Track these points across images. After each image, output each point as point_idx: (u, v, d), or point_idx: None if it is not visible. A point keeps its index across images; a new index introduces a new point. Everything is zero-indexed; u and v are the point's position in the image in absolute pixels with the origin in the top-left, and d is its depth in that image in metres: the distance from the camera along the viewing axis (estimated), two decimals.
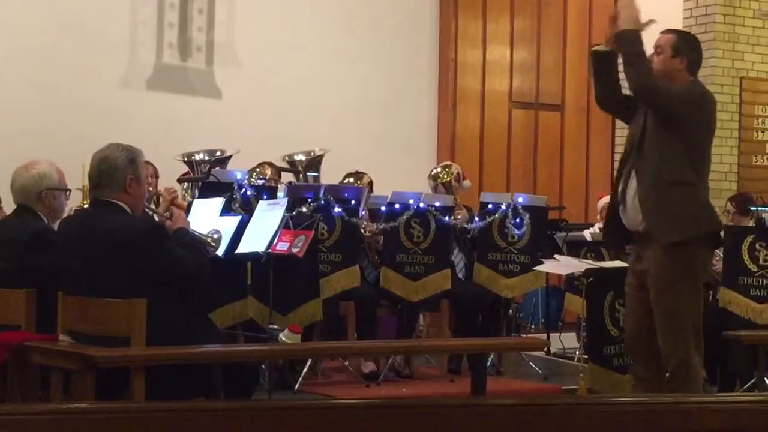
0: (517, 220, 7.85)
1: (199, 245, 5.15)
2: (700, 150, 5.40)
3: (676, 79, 5.40)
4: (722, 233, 5.63)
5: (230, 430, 2.95)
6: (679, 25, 10.99)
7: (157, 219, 5.43)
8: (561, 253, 7.93)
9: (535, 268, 7.68)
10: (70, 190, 5.69)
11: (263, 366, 6.26)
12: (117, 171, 4.89)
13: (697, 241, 5.32)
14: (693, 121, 5.34)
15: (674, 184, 5.31)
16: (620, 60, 5.42)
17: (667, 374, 5.37)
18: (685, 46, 5.49)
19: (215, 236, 5.44)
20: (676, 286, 5.28)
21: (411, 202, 7.51)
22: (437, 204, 7.62)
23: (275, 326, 5.54)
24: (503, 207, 7.87)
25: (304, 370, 7.07)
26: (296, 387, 6.91)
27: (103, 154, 4.95)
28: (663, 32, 5.54)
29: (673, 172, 5.30)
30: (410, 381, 7.54)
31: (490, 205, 7.91)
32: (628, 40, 5.31)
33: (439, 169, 8.63)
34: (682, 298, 5.29)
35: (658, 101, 5.33)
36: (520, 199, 7.96)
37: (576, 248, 8.10)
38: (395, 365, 7.65)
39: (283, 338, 5.20)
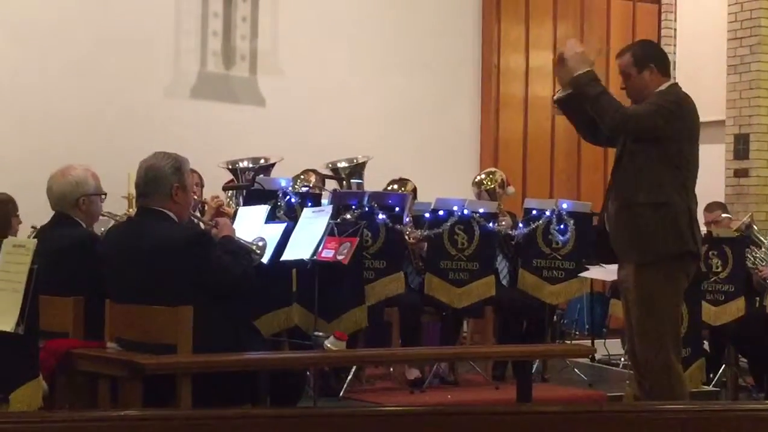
0: (562, 226, 7.83)
1: (244, 253, 5.17)
2: (683, 159, 5.28)
3: (653, 89, 5.30)
4: (698, 251, 5.40)
5: None
6: (724, 29, 10.95)
7: (202, 227, 5.46)
8: None
9: (580, 275, 7.65)
10: (105, 194, 5.72)
11: (308, 373, 6.27)
12: (163, 179, 4.93)
13: (665, 262, 5.22)
14: (672, 133, 5.22)
15: (644, 206, 5.22)
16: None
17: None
18: (644, 53, 5.39)
19: (260, 244, 5.46)
20: (651, 301, 5.22)
21: (455, 208, 7.51)
22: (481, 210, 7.61)
23: (320, 333, 5.54)
24: (547, 213, 7.85)
25: (349, 377, 7.08)
26: (341, 394, 6.92)
27: (149, 163, 4.99)
28: (617, 57, 5.46)
29: (648, 191, 5.21)
30: (455, 388, 7.54)
31: (534, 212, 7.89)
32: (585, 82, 5.23)
33: (483, 176, 8.61)
34: (658, 310, 5.23)
35: (635, 129, 5.25)
36: (564, 205, 7.94)
37: None
38: (440, 372, 7.64)
39: (329, 345, 5.21)
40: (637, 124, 5.23)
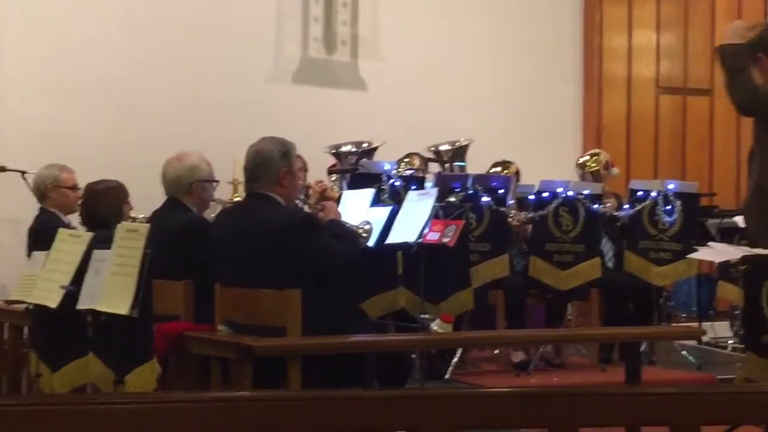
0: (668, 207, 7.72)
1: (351, 236, 5.21)
2: None
3: None
4: None
5: (385, 419, 2.98)
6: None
7: (309, 211, 5.50)
8: (712, 240, 7.76)
9: (688, 256, 7.52)
10: (218, 182, 5.80)
11: (413, 356, 6.29)
12: (271, 164, 4.98)
13: None
14: None
15: None
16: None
17: None
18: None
19: (366, 227, 5.49)
20: None
21: (559, 190, 7.45)
22: (586, 192, 7.54)
23: (427, 316, 5.56)
24: (653, 194, 7.73)
25: (454, 360, 7.08)
26: (447, 376, 6.93)
27: (257, 148, 5.05)
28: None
29: None
30: (561, 370, 7.50)
31: (640, 193, 7.79)
32: (729, 53, 5.09)
33: (587, 158, 8.54)
34: None
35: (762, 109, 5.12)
36: (670, 186, 7.82)
37: (729, 235, 7.92)
38: (545, 355, 7.60)
39: (436, 328, 5.22)
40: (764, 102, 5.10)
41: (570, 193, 7.46)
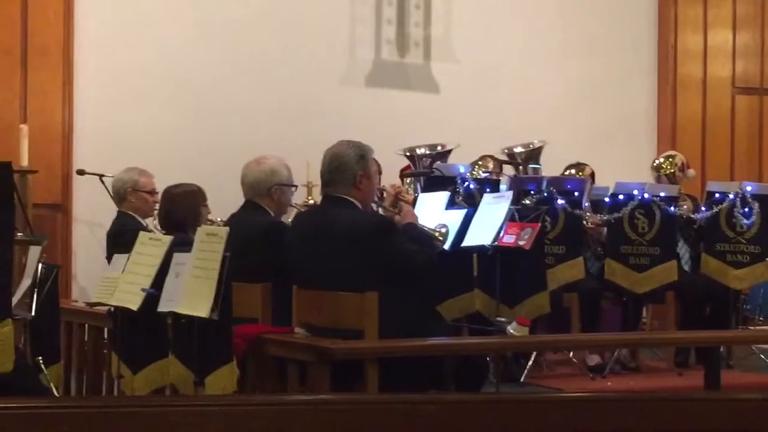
0: (746, 209, 7.61)
1: (427, 240, 5.21)
2: None
3: None
4: None
5: (462, 422, 2.98)
6: None
7: (385, 214, 5.51)
8: None
9: (766, 259, 7.44)
10: (296, 186, 5.83)
11: (487, 359, 6.27)
12: (348, 167, 5.00)
13: None
14: None
15: None
16: None
17: None
18: None
19: (443, 230, 5.49)
20: None
21: (635, 192, 7.39)
22: (662, 194, 7.47)
23: (503, 319, 5.53)
24: (731, 196, 7.63)
25: (529, 363, 7.05)
26: (522, 380, 6.90)
27: (334, 151, 5.06)
28: None
29: None
30: (636, 374, 7.43)
31: (717, 195, 7.69)
32: None
33: (661, 160, 8.46)
34: None
35: None
36: (748, 188, 7.71)
37: None
38: (621, 358, 7.54)
39: (512, 331, 5.20)
40: None
41: (646, 196, 7.40)
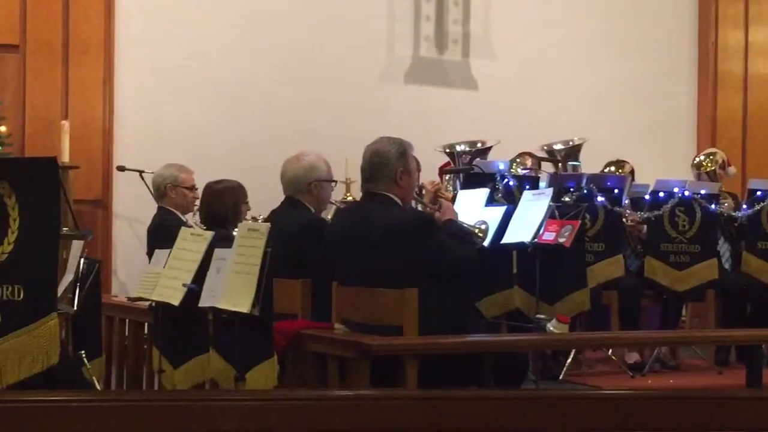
0: None
1: (467, 236, 5.20)
2: None
3: None
4: None
5: (501, 419, 2.98)
6: None
7: (424, 211, 5.51)
8: None
9: None
10: (336, 182, 5.83)
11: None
12: (388, 164, 5.00)
13: None
14: None
15: None
16: None
17: None
18: None
19: (483, 227, 5.48)
20: None
21: (676, 190, 7.36)
22: (703, 192, 7.43)
23: (543, 316, 5.52)
24: None
25: (568, 361, 7.03)
26: (560, 377, 6.88)
27: (374, 148, 5.06)
28: None
29: None
30: (676, 372, 7.39)
31: (758, 192, 7.64)
32: None
33: (702, 157, 8.42)
34: None
35: None
36: None
37: None
38: (660, 356, 7.50)
39: (551, 328, 5.19)
40: None
41: (686, 193, 7.36)
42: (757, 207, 7.59)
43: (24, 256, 3.52)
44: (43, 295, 3.58)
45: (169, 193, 7.04)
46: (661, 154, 10.14)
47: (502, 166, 6.86)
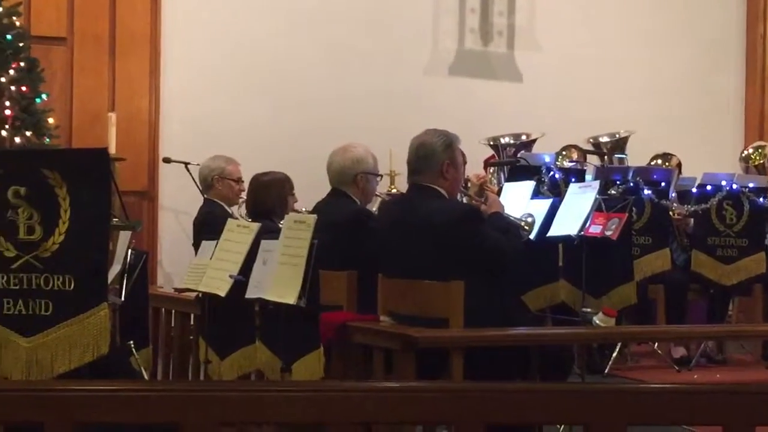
0: None
1: (513, 229, 5.18)
2: None
3: None
4: None
5: (547, 411, 2.96)
6: None
7: (470, 203, 5.49)
8: None
9: None
10: (381, 176, 5.83)
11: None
12: (434, 156, 4.98)
13: None
14: None
15: None
16: None
17: None
18: None
19: (529, 220, 5.45)
20: None
21: (723, 183, 7.30)
22: (751, 185, 7.38)
23: (589, 309, 5.50)
24: None
25: (614, 354, 6.99)
26: (606, 371, 6.85)
27: (421, 140, 5.05)
28: None
29: None
30: (723, 367, 7.34)
31: None
32: None
33: (750, 150, 8.36)
34: None
35: None
36: None
37: None
38: (707, 350, 7.45)
39: (598, 322, 5.17)
40: None
41: (734, 186, 7.31)
42: None
43: (75, 247, 3.55)
44: (94, 285, 3.61)
45: (216, 184, 7.07)
46: (708, 147, 10.06)
47: (548, 159, 6.83)
